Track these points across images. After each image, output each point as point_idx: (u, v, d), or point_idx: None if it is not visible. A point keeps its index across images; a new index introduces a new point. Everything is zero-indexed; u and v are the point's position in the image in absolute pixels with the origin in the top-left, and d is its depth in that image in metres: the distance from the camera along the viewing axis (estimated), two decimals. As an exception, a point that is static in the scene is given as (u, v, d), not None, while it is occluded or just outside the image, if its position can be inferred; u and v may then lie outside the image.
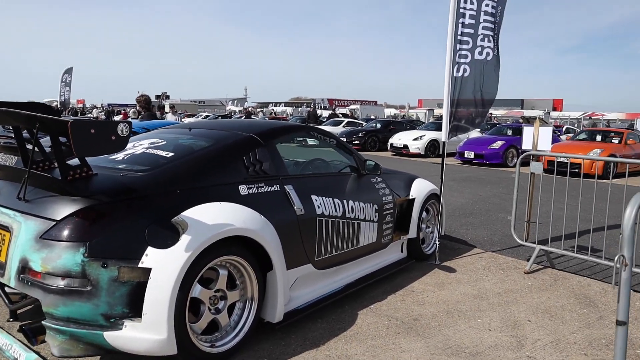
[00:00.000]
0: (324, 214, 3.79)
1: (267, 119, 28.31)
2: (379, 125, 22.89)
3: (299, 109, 60.57)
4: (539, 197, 5.62)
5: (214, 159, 3.31)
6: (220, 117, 31.94)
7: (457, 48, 5.36)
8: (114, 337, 2.61)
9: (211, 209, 2.97)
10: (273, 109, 63.59)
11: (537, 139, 5.41)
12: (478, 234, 6.77)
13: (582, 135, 15.79)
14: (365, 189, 4.42)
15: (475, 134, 19.57)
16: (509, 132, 17.24)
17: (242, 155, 3.43)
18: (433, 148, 18.36)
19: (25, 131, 3.32)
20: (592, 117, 51.68)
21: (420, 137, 18.58)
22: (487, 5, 5.62)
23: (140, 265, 2.64)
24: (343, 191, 4.11)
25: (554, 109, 66.41)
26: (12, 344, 2.88)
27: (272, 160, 3.60)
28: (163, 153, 3.36)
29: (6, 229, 2.85)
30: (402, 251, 5.09)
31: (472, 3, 5.49)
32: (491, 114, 47.55)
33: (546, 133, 5.32)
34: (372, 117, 36.58)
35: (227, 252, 2.97)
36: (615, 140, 14.79)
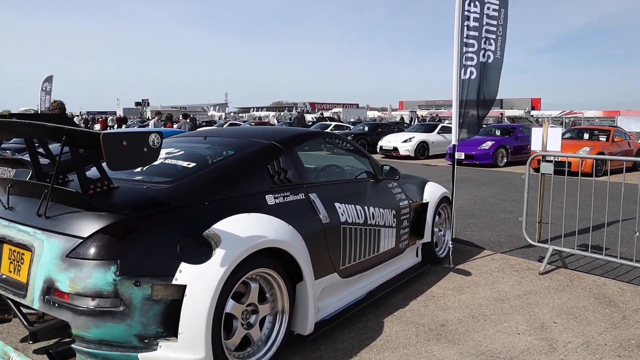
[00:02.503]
0: (347, 222, 3.72)
1: (252, 124, 28.11)
2: (366, 128, 22.89)
3: (281, 113, 60.48)
4: (550, 198, 5.59)
5: (240, 169, 3.21)
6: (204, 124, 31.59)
7: (464, 51, 5.34)
8: (149, 359, 2.48)
9: (242, 221, 2.86)
10: (254, 114, 63.38)
11: (547, 139, 5.40)
12: (484, 235, 6.74)
13: (569, 134, 15.93)
14: (383, 194, 4.36)
15: (464, 134, 19.66)
16: (498, 133, 17.34)
17: (267, 163, 3.34)
18: (422, 150, 18.41)
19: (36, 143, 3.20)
20: (572, 115, 52.36)
21: (410, 139, 18.61)
22: (488, 8, 5.62)
23: (174, 282, 2.52)
24: (363, 197, 4.04)
25: (533, 108, 67.24)
26: None
27: (295, 168, 3.51)
28: (184, 163, 3.25)
29: (26, 247, 2.70)
30: (417, 255, 5.03)
31: (475, 6, 5.48)
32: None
33: (556, 134, 5.31)
34: (357, 120, 36.62)
35: (259, 265, 2.87)
36: (603, 138, 14.97)
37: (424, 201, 5.02)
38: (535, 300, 4.34)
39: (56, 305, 2.49)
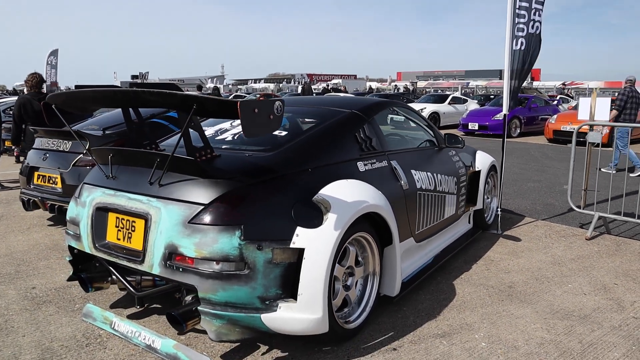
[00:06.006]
0: (422, 188, 3.84)
1: (258, 97, 27.97)
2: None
3: (280, 84, 60.05)
4: (572, 167, 5.71)
5: (332, 137, 3.30)
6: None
7: (516, 22, 5.40)
8: (271, 319, 2.61)
9: (343, 187, 2.98)
10: (252, 86, 62.88)
11: (595, 109, 5.50)
12: (519, 203, 6.89)
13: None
14: (446, 162, 4.48)
15: (474, 105, 19.74)
16: (512, 103, 17.33)
17: (354, 131, 3.44)
18: (434, 120, 18.46)
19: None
20: (573, 86, 52.27)
21: (422, 110, 18.65)
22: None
23: (291, 245, 2.64)
24: (432, 165, 4.16)
25: (532, 79, 66.94)
26: (139, 330, 2.88)
27: (377, 136, 3.62)
28: (276, 132, 3.34)
29: (138, 215, 2.80)
30: (469, 222, 5.19)
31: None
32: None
33: (604, 103, 5.41)
34: (356, 91, 36.43)
35: (360, 229, 2.99)
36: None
37: (477, 169, 5.14)
38: (590, 264, 4.51)
39: (180, 270, 2.60)
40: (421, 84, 59.03)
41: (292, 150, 3.07)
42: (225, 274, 2.52)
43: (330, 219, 2.73)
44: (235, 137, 3.37)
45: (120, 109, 3.25)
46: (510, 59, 5.40)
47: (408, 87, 42.80)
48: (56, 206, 5.07)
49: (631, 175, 8.80)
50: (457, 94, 23.46)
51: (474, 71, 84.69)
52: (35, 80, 6.86)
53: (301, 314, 2.63)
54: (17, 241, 5.07)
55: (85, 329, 3.18)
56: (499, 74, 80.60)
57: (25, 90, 7.22)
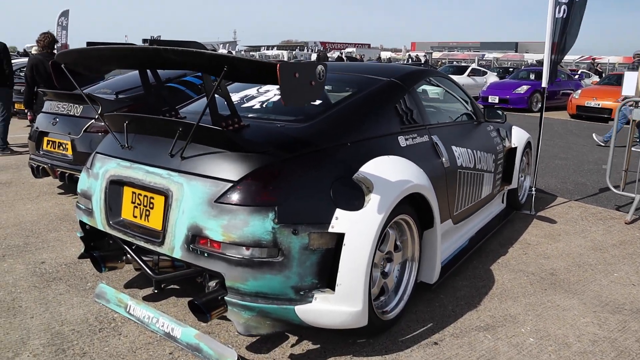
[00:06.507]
0: (462, 166, 3.53)
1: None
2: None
3: (293, 52, 59.09)
4: (612, 147, 5.36)
5: (371, 107, 2.98)
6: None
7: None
8: (305, 311, 2.33)
9: (385, 164, 2.67)
10: (265, 53, 62.03)
11: (641, 83, 5.12)
12: (548, 182, 6.57)
13: (607, 80, 15.45)
14: (484, 137, 4.16)
15: (493, 78, 19.21)
16: (532, 77, 16.83)
17: (394, 102, 3.11)
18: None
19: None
20: (591, 61, 51.01)
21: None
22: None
23: (330, 230, 2.34)
24: (472, 141, 3.85)
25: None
26: (157, 317, 2.63)
27: (417, 108, 3.29)
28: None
29: (157, 191, 2.50)
30: (502, 202, 4.88)
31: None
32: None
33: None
34: (370, 60, 35.63)
35: (402, 211, 2.70)
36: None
37: (513, 146, 4.81)
38: (634, 250, 4.21)
39: (205, 254, 2.31)
40: (436, 54, 57.80)
41: (330, 121, 2.75)
42: (256, 261, 2.24)
43: (373, 200, 2.43)
44: (264, 105, 3.05)
45: (135, 72, 2.95)
46: (552, 27, 5.00)
47: (419, 57, 41.84)
48: (66, 174, 4.81)
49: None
50: (474, 66, 22.77)
51: (490, 43, 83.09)
52: (48, 40, 6.54)
53: (339, 305, 2.36)
54: (26, 210, 4.82)
55: (98, 312, 2.93)
56: (515, 46, 79.10)
57: (34, 51, 6.89)
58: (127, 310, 2.76)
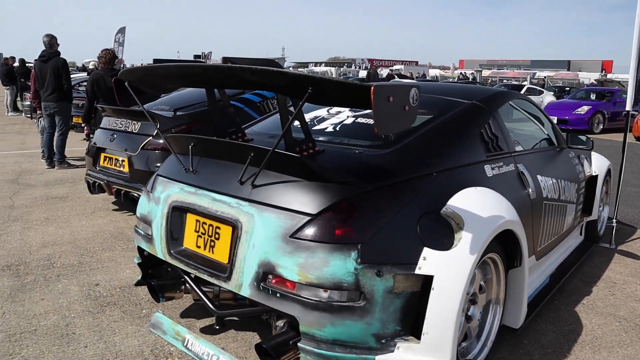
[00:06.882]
0: (547, 197, 3.21)
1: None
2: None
3: (341, 68, 59.17)
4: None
5: (458, 133, 2.71)
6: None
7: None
8: None
9: (474, 197, 2.39)
10: (313, 69, 62.36)
11: None
12: (626, 212, 6.07)
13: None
14: (567, 165, 3.82)
15: (550, 97, 18.55)
16: (593, 97, 16.13)
17: (479, 127, 2.83)
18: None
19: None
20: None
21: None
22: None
23: (417, 271, 2.08)
24: (556, 169, 3.52)
25: (603, 71, 63.38)
26: (217, 354, 2.39)
27: (502, 134, 3.01)
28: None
29: (225, 221, 2.29)
30: (580, 234, 4.49)
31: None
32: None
33: None
34: (422, 77, 35.15)
35: (491, 249, 2.41)
36: None
37: (594, 173, 4.43)
38: None
39: (277, 295, 2.08)
40: (485, 72, 56.82)
41: (413, 147, 2.49)
42: (335, 306, 1.99)
43: (464, 239, 2.16)
44: (337, 128, 2.83)
45: (193, 89, 2.78)
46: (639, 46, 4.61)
47: (467, 75, 40.98)
48: (122, 192, 4.71)
49: None
50: (529, 85, 22.07)
51: (541, 61, 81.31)
52: (109, 57, 6.61)
53: (424, 356, 2.08)
54: (81, 226, 4.75)
55: (154, 343, 2.75)
56: (567, 64, 77.01)
57: (91, 66, 6.96)
58: (185, 344, 2.56)
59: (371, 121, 2.83)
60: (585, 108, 14.80)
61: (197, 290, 2.54)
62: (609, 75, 49.69)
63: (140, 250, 2.80)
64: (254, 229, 2.16)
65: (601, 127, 15.01)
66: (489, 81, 42.26)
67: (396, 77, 26.18)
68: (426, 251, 2.10)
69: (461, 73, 43.18)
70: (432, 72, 53.81)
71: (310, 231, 2.04)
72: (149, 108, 5.04)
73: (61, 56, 7.42)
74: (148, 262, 2.82)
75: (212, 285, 2.55)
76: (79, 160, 8.12)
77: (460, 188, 2.40)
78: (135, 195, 4.56)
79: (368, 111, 3.00)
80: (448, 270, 2.09)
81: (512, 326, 2.77)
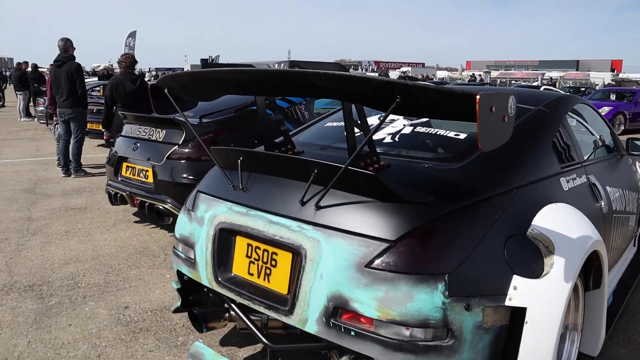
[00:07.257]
0: (617, 210, 2.96)
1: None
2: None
3: (348, 71, 58.88)
4: None
5: (531, 143, 2.44)
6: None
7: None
8: None
9: (557, 215, 2.13)
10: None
11: None
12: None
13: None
14: (629, 174, 3.57)
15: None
16: (613, 97, 15.80)
17: (551, 136, 2.57)
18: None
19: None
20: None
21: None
22: None
23: (507, 303, 1.83)
24: (620, 179, 3.26)
25: (613, 70, 62.79)
26: None
27: (572, 142, 2.75)
28: (450, 133, 2.53)
29: (285, 247, 2.03)
30: (634, 245, 4.22)
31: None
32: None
33: None
34: (427, 78, 34.85)
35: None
36: None
37: (649, 181, 4.16)
38: None
39: (352, 333, 1.82)
40: (493, 74, 56.38)
41: (485, 161, 2.21)
42: (421, 345, 1.74)
43: (557, 264, 1.90)
44: (395, 139, 2.57)
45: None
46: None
47: (476, 76, 40.60)
48: (146, 204, 4.47)
49: None
50: (537, 84, 21.73)
51: (549, 61, 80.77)
52: (129, 61, 6.40)
53: None
54: (103, 240, 4.52)
55: (196, 377, 2.50)
56: (576, 64, 76.35)
57: (102, 67, 6.76)
58: (230, 379, 2.32)
59: (434, 130, 2.59)
60: (606, 109, 14.47)
61: (247, 321, 2.29)
62: (621, 75, 49.17)
63: (180, 274, 2.56)
64: (322, 257, 1.90)
65: (622, 128, 14.69)
66: (498, 82, 41.87)
67: (407, 79, 25.89)
68: (516, 279, 1.85)
69: (472, 75, 42.74)
70: (440, 74, 53.49)
71: (389, 260, 1.78)
72: (174, 115, 4.80)
73: (75, 61, 7.22)
74: (188, 288, 2.58)
75: (259, 313, 2.30)
76: (95, 167, 7.91)
77: (541, 205, 2.14)
78: (161, 207, 4.33)
79: (425, 119, 2.76)
80: (542, 300, 1.83)
81: (590, 354, 2.51)
